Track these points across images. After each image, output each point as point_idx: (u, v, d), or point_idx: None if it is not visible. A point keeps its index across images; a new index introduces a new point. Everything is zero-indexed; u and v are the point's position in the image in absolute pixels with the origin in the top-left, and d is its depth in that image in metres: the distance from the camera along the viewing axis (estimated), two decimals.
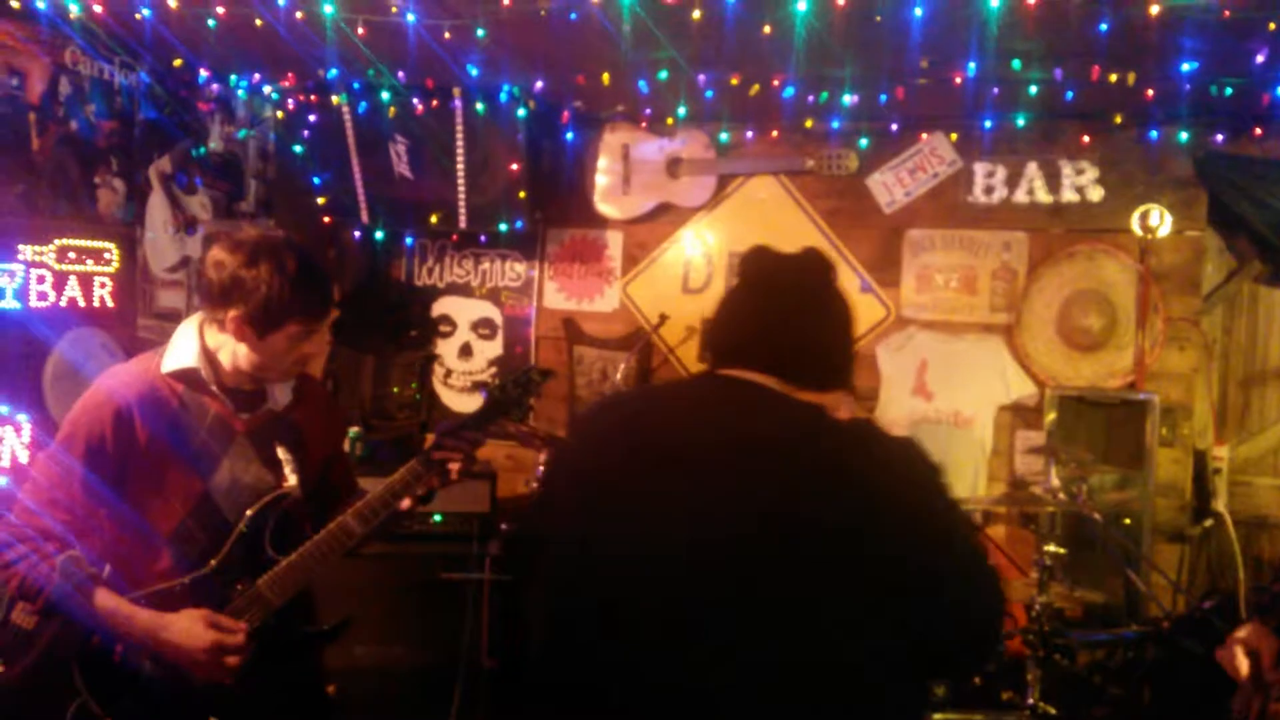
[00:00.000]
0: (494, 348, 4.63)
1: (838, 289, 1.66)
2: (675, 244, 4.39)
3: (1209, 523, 3.64)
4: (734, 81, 3.60)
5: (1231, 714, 2.07)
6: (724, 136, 4.24)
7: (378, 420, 4.28)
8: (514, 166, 3.94)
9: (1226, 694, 2.12)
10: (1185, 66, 3.16)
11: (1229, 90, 3.31)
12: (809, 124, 4.08)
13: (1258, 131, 3.61)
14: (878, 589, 1.38)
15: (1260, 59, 3.07)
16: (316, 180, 4.13)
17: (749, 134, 4.23)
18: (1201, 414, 3.77)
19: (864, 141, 4.07)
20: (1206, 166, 3.68)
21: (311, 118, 4.05)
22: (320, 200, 4.16)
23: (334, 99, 3.98)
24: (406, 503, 2.09)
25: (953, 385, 4.01)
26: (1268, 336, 3.83)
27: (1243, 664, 2.03)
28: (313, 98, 4.05)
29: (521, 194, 3.99)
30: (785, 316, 1.62)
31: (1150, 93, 3.39)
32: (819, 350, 1.62)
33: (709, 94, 3.77)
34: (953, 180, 4.00)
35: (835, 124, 4.05)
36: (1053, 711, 2.25)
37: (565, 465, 1.76)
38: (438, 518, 3.56)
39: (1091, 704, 3.28)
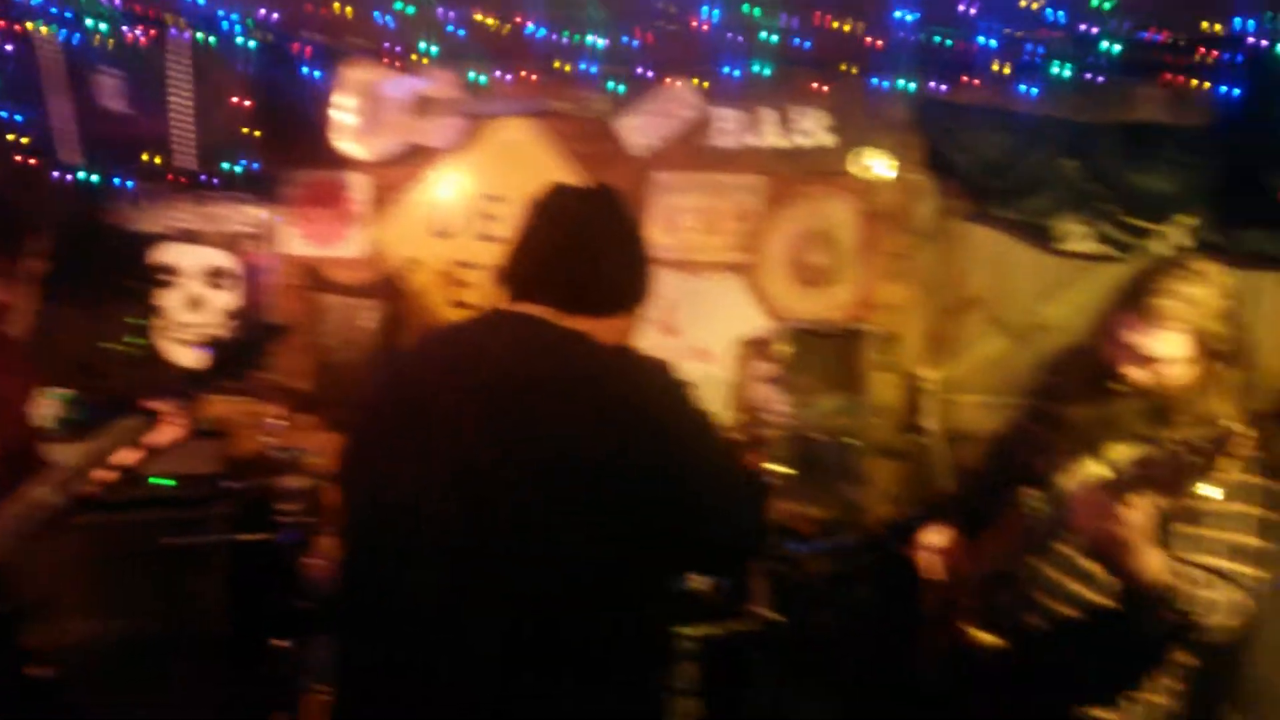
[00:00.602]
0: (229, 299, 4.39)
1: (616, 215, 1.74)
2: (425, 186, 4.31)
3: (920, 439, 4.03)
4: (482, 19, 3.56)
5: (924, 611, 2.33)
6: (476, 77, 4.19)
7: (91, 380, 3.96)
8: (243, 102, 3.74)
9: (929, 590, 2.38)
10: (905, 16, 3.40)
11: (946, 41, 3.58)
12: (562, 67, 4.10)
13: (966, 80, 3.94)
14: (630, 503, 1.51)
15: (971, 10, 3.35)
16: (19, 118, 3.75)
17: (501, 75, 4.20)
18: (914, 341, 4.15)
19: (615, 86, 4.13)
20: (924, 114, 3.99)
21: (8, 48, 3.66)
22: (23, 140, 3.79)
23: (34, 26, 3.61)
24: (118, 465, 1.99)
25: (697, 322, 4.21)
26: (971, 268, 4.22)
27: (929, 562, 2.29)
28: (14, 26, 3.66)
29: (253, 132, 3.80)
30: (556, 245, 1.69)
31: (874, 42, 3.62)
32: (586, 276, 1.68)
33: (460, 32, 3.71)
34: (697, 125, 4.14)
35: (587, 67, 4.09)
36: (776, 618, 2.47)
37: (363, 410, 1.80)
38: (166, 481, 3.38)
39: (820, 609, 3.61)
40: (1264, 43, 3.40)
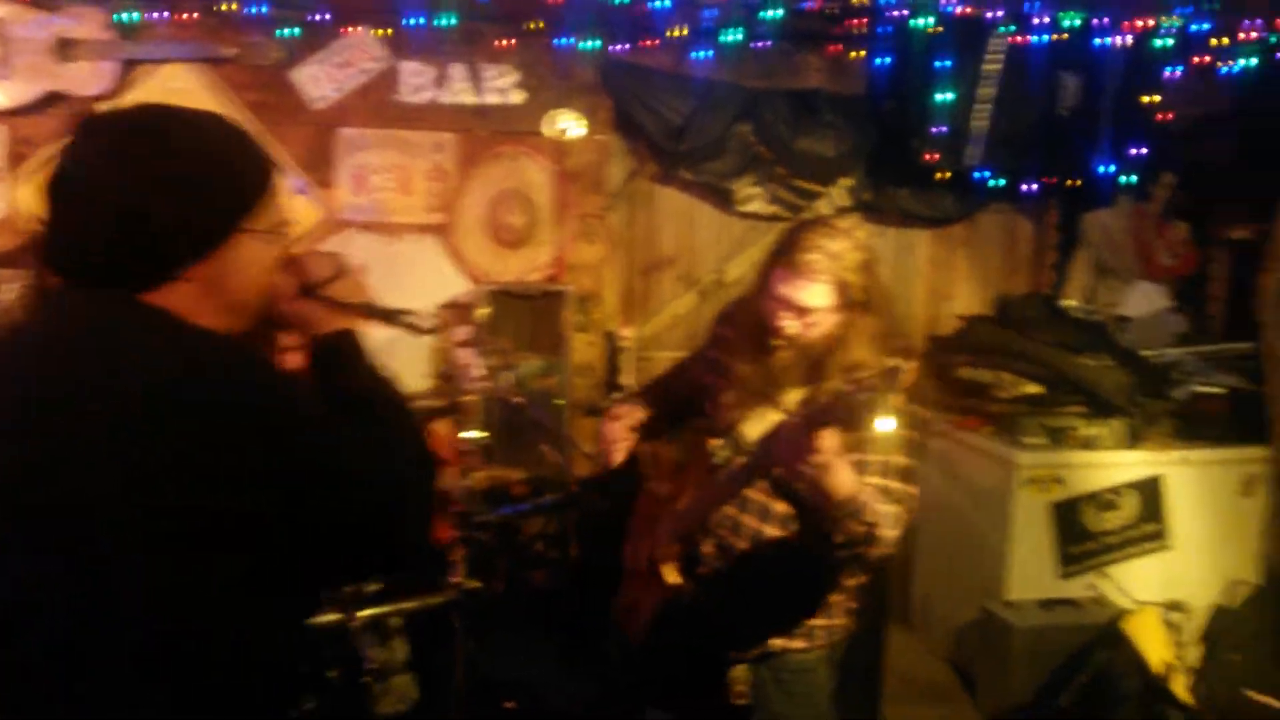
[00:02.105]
0: None
1: (154, 144, 1.24)
2: None
3: (618, 395, 4.17)
4: None
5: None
6: (127, 16, 3.75)
7: None
8: None
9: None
10: None
11: (625, 0, 3.65)
12: (229, 8, 3.77)
13: (649, 43, 4.05)
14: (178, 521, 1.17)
15: None
16: None
17: (159, 15, 3.79)
18: (610, 300, 4.27)
19: (289, 32, 3.86)
20: (609, 75, 4.07)
21: None
22: None
23: None
24: None
25: (395, 286, 4.03)
26: (661, 228, 4.42)
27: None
28: None
29: None
30: (82, 198, 1.26)
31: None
32: (119, 243, 1.24)
33: None
34: (382, 78, 3.98)
35: (258, 10, 3.78)
36: (477, 585, 2.47)
37: None
38: None
39: (533, 568, 3.67)
40: (905, 14, 3.76)
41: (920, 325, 4.64)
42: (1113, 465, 3.85)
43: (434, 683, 2.89)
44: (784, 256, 2.02)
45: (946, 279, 4.66)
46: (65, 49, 3.69)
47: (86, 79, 3.73)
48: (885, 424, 1.66)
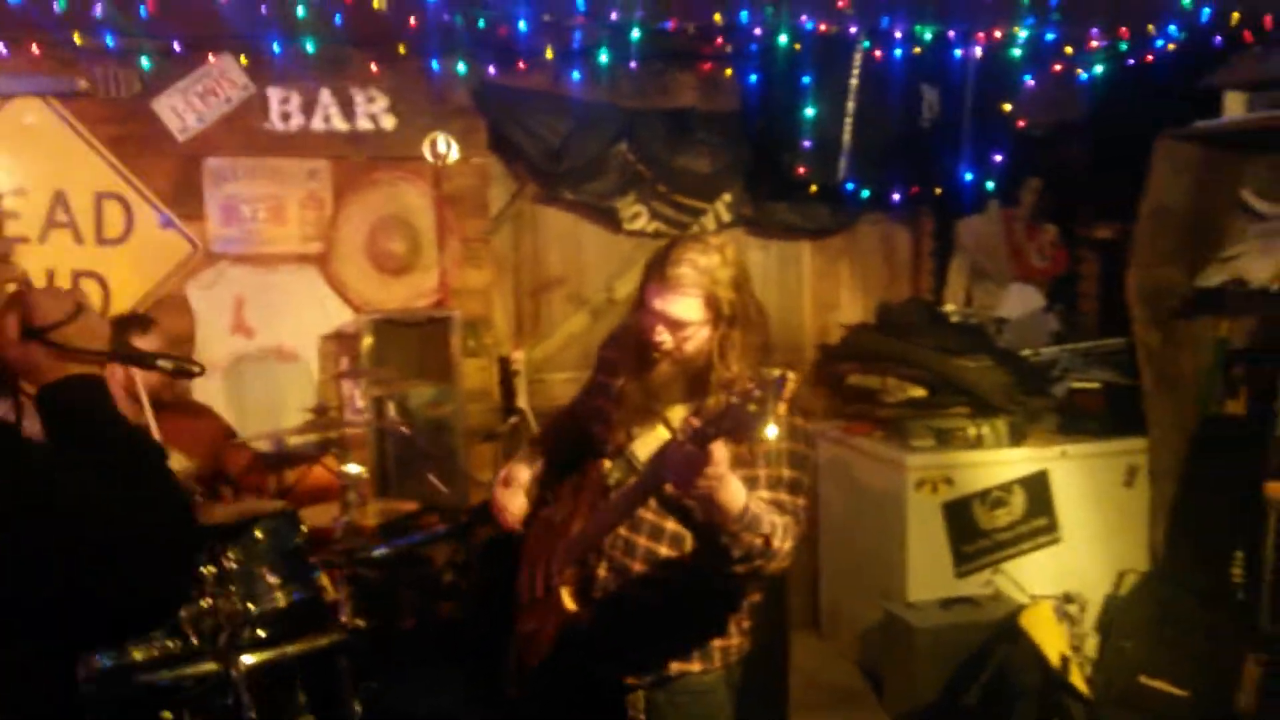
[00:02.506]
0: None
1: None
2: None
3: (514, 419, 4.10)
4: None
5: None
6: None
7: None
8: None
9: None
10: None
11: (481, 21, 3.61)
12: (78, 39, 3.60)
13: (521, 66, 4.02)
14: None
15: None
16: None
17: (1, 47, 3.60)
18: (500, 324, 4.21)
19: (146, 61, 3.71)
20: (483, 97, 4.03)
21: None
22: None
23: None
24: None
25: (273, 319, 3.94)
26: (548, 250, 4.38)
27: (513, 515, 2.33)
28: None
29: None
30: None
31: (413, 21, 3.55)
32: None
33: None
34: (248, 106, 3.85)
35: (110, 40, 3.62)
36: (361, 624, 2.36)
37: None
38: None
39: (442, 599, 3.55)
40: (767, 32, 3.82)
41: (808, 335, 4.70)
42: (999, 463, 3.94)
43: None
44: (656, 271, 2.02)
45: (830, 289, 4.74)
46: None
47: None
48: (770, 432, 1.65)
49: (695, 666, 2.13)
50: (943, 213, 4.69)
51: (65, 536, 1.11)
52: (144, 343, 3.07)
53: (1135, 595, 3.99)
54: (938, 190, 4.36)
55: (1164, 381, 4.06)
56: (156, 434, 2.76)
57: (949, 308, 4.59)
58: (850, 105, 3.96)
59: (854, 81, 3.94)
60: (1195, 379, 4.07)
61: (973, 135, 4.10)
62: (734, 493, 1.80)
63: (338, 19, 3.42)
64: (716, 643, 2.15)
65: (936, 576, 3.86)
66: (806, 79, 3.93)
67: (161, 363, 1.43)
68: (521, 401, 4.15)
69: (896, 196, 4.34)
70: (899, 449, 3.97)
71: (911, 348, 4.17)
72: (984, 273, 4.74)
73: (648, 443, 2.08)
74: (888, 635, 3.81)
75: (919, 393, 4.19)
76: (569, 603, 2.14)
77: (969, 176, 4.20)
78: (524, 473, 2.38)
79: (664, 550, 2.09)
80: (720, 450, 1.71)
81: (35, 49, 3.62)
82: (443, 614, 3.57)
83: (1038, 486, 3.96)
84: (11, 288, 1.29)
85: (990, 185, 4.30)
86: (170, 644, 2.34)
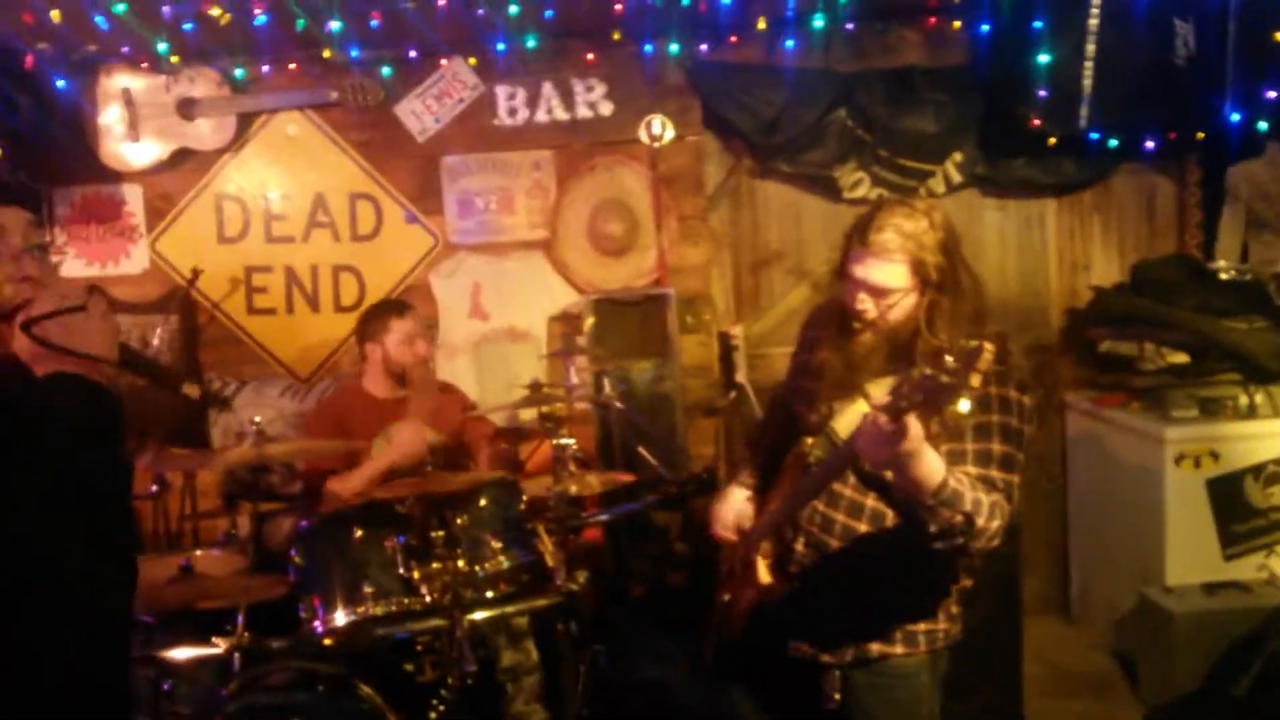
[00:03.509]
0: None
1: None
2: (203, 191, 4.12)
3: (734, 394, 4.12)
4: (213, 12, 3.41)
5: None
6: (238, 72, 4.01)
7: None
8: None
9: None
10: None
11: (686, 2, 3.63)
12: (327, 54, 3.97)
13: (734, 40, 4.01)
14: None
15: None
16: None
17: (265, 68, 4.04)
18: (720, 300, 4.23)
19: (387, 70, 4.03)
20: (696, 75, 4.05)
21: None
22: None
23: None
24: None
25: (505, 303, 4.18)
26: (767, 224, 4.34)
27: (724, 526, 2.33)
28: None
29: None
30: None
31: (619, 7, 3.62)
32: None
33: (186, 26, 3.55)
34: (478, 104, 4.09)
35: (354, 53, 3.97)
36: (576, 588, 2.48)
37: None
38: None
39: (672, 569, 3.65)
40: None
41: (1055, 299, 4.38)
42: (1275, 435, 3.51)
43: (562, 685, 2.92)
44: (858, 237, 1.96)
45: (1081, 248, 4.39)
46: (186, 108, 3.97)
47: (209, 134, 4.01)
48: (963, 405, 1.58)
49: (898, 650, 2.06)
50: (1211, 159, 4.20)
51: None
52: (401, 325, 3.19)
53: None
54: (1200, 135, 3.92)
55: None
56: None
57: (1220, 264, 4.11)
58: (1090, 48, 3.63)
59: (1093, 21, 3.61)
60: None
61: (1238, 70, 3.63)
62: (930, 467, 1.73)
63: (548, 14, 3.56)
64: (921, 626, 2.07)
65: (1200, 559, 3.50)
66: (1039, 23, 3.65)
67: (152, 368, 1.47)
68: (741, 376, 4.16)
69: (1151, 144, 3.94)
70: (1157, 421, 3.63)
71: (1171, 309, 3.79)
72: (1263, 223, 4.22)
73: (848, 417, 2.02)
74: (1144, 621, 3.51)
75: (1180, 359, 3.80)
76: (764, 575, 2.13)
77: (1236, 117, 3.73)
78: (739, 492, 2.34)
79: (863, 527, 2.03)
80: (914, 424, 1.64)
81: (292, 67, 4.02)
82: (673, 584, 3.65)
83: None
84: (9, 289, 1.31)
85: (1263, 126, 3.80)
86: (406, 600, 2.55)
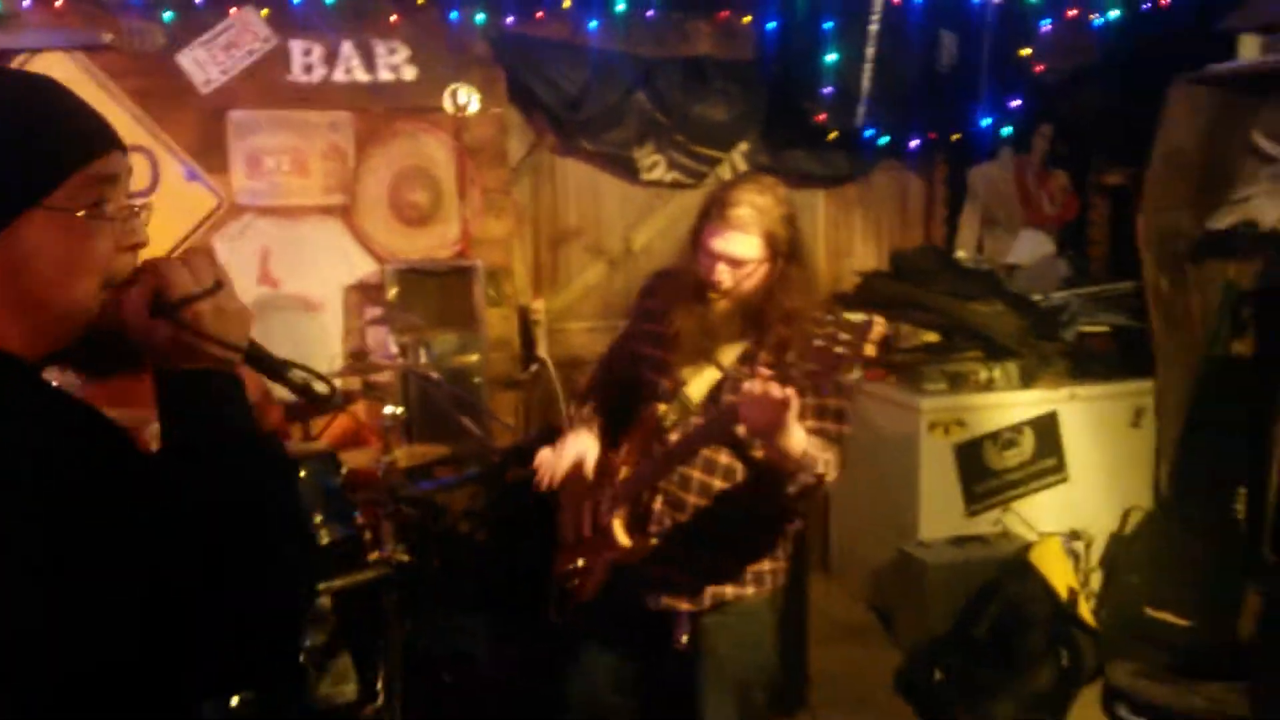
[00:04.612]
0: None
1: None
2: None
3: (534, 368, 4.19)
4: None
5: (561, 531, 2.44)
6: None
7: None
8: None
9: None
10: None
11: None
12: None
13: (539, 15, 4.05)
14: None
15: None
16: None
17: (26, 2, 3.64)
18: (521, 274, 4.28)
19: (169, 14, 3.75)
20: (502, 47, 4.06)
21: None
22: None
23: None
24: None
25: (298, 270, 4.02)
26: (566, 201, 4.43)
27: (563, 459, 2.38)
28: None
29: None
30: None
31: None
32: None
33: None
34: (271, 58, 3.89)
35: None
36: (405, 558, 2.47)
37: None
38: None
39: (461, 548, 3.66)
40: None
41: (823, 283, 4.76)
42: (1010, 405, 4.03)
43: (370, 662, 2.89)
44: (715, 212, 2.08)
45: (845, 237, 4.80)
46: None
47: None
48: (854, 374, 1.72)
49: (749, 590, 2.22)
50: (956, 161, 4.73)
51: (157, 568, 0.97)
52: None
53: (1140, 532, 4.09)
54: (955, 136, 4.40)
55: (1172, 323, 4.13)
56: None
57: (961, 254, 4.65)
58: (870, 51, 3.99)
59: (874, 27, 3.96)
60: (1203, 321, 4.13)
61: (990, 81, 4.12)
62: (796, 436, 1.88)
63: None
64: (766, 566, 2.24)
65: (948, 516, 3.96)
66: (827, 25, 3.95)
67: (293, 374, 1.18)
68: (541, 350, 4.24)
69: (915, 142, 4.38)
70: (913, 393, 4.05)
71: (925, 293, 4.24)
72: (995, 220, 4.80)
73: (699, 384, 2.15)
74: (900, 572, 3.92)
75: (932, 338, 4.26)
76: (622, 537, 2.21)
77: (986, 122, 4.23)
78: (593, 450, 2.38)
79: (718, 483, 2.16)
80: (793, 397, 1.78)
81: (59, 3, 3.65)
82: (460, 560, 3.68)
83: (1047, 427, 4.05)
84: (130, 258, 1.08)
85: (1007, 131, 4.34)
86: None
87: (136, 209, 1.10)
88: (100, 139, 1.07)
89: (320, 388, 1.20)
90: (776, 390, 1.78)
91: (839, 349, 1.68)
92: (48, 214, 1.00)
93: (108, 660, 0.96)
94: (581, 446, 2.37)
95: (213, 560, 1.01)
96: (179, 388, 1.08)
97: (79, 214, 1.01)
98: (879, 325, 1.67)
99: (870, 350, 1.68)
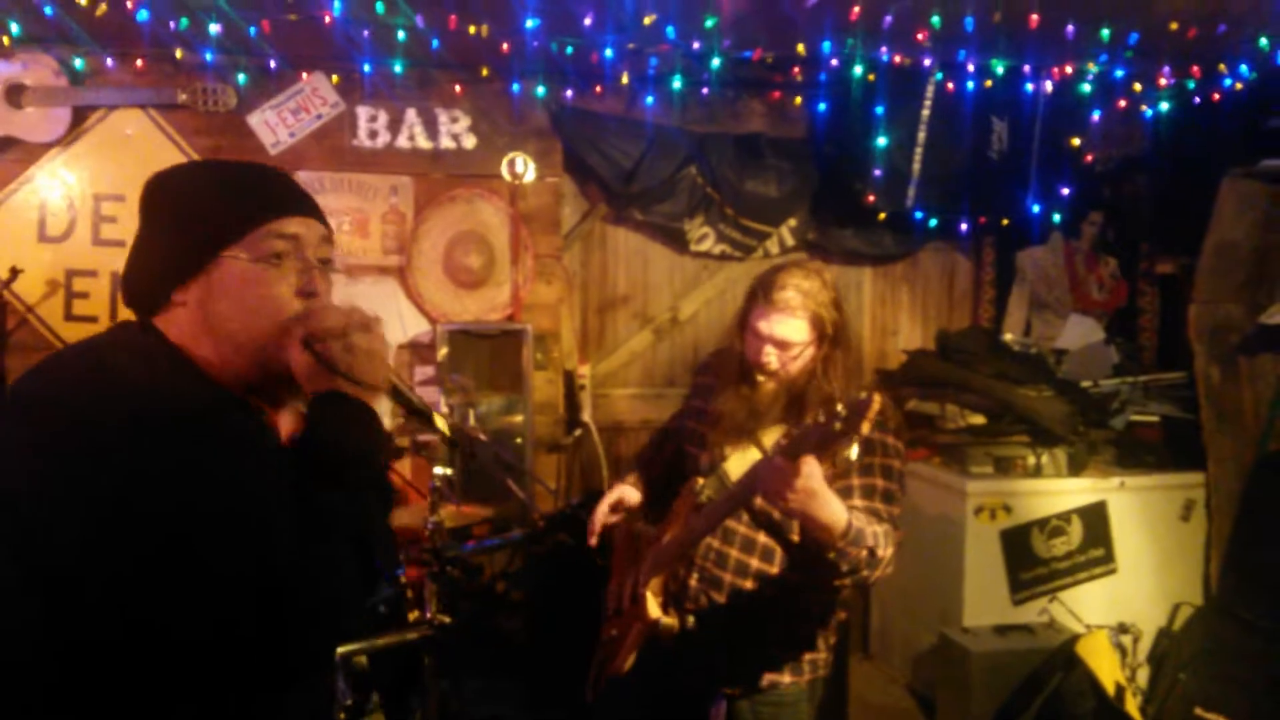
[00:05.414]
0: None
1: (161, 200, 1.34)
2: (25, 185, 3.80)
3: (578, 432, 4.21)
4: None
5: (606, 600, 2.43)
6: (78, 63, 3.75)
7: None
8: None
9: (600, 577, 2.49)
10: (529, 23, 3.49)
11: (570, 49, 3.74)
12: (179, 54, 3.78)
13: (598, 90, 4.15)
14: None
15: (588, 21, 3.52)
16: None
17: (109, 61, 3.79)
18: (568, 339, 4.32)
19: (242, 77, 3.88)
20: (560, 120, 4.16)
21: None
22: None
23: None
24: None
25: None
26: (616, 268, 4.49)
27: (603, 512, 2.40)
28: None
29: None
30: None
31: (505, 47, 3.69)
32: (133, 272, 1.34)
33: (48, 10, 3.29)
34: (337, 123, 4.01)
35: (209, 55, 3.80)
36: (448, 620, 2.46)
37: None
38: None
39: (497, 611, 3.64)
40: (842, 63, 3.92)
41: (867, 360, 4.76)
42: (1058, 492, 3.97)
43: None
44: (762, 295, 2.12)
45: (891, 314, 4.81)
46: (15, 95, 3.66)
47: (38, 125, 3.71)
48: (854, 452, 1.73)
49: (785, 678, 2.20)
50: (1005, 243, 4.74)
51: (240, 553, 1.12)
52: None
53: (1190, 628, 3.99)
54: (1005, 221, 4.43)
55: (1224, 417, 4.08)
56: None
57: (1008, 337, 4.63)
58: (921, 135, 4.05)
59: (926, 112, 4.02)
60: (1255, 415, 4.08)
61: (1040, 168, 4.16)
62: (834, 510, 1.86)
63: (435, 43, 3.56)
64: (807, 655, 2.22)
65: (992, 603, 3.89)
66: (880, 109, 4.02)
67: (435, 418, 1.39)
68: (586, 415, 4.25)
69: (964, 226, 4.40)
70: (958, 475, 4.01)
71: (972, 375, 4.22)
72: (1044, 303, 4.79)
73: (740, 462, 2.16)
74: (943, 658, 3.84)
75: (978, 420, 4.23)
76: (654, 610, 2.21)
77: (1035, 208, 4.26)
78: (633, 495, 2.44)
79: (755, 563, 2.16)
80: (811, 465, 1.78)
81: (139, 63, 3.80)
82: (497, 623, 3.65)
83: (1095, 517, 3.99)
84: (298, 304, 1.29)
85: (1057, 218, 4.36)
86: None
87: (314, 264, 1.31)
88: (278, 206, 1.31)
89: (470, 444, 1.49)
90: (780, 461, 1.79)
91: (838, 425, 1.69)
92: (231, 261, 1.26)
93: (224, 622, 1.12)
94: (623, 490, 2.41)
95: (304, 555, 1.17)
96: (314, 407, 1.28)
97: (255, 264, 1.26)
98: (876, 402, 1.67)
99: (867, 428, 1.68)
